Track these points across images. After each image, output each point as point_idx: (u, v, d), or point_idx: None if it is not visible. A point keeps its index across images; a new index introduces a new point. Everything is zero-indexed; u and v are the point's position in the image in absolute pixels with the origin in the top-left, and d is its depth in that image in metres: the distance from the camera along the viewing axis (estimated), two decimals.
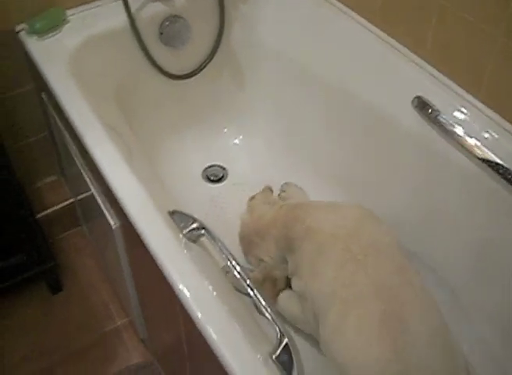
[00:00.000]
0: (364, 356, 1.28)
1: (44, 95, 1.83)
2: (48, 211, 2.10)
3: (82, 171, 1.68)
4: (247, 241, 1.70)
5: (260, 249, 1.65)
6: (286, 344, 1.11)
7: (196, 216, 1.30)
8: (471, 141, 1.49)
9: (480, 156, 1.47)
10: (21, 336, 1.95)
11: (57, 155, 2.10)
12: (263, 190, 1.85)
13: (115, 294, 2.04)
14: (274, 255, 1.61)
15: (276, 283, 1.62)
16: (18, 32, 1.78)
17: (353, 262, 1.38)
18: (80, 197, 1.95)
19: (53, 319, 2.00)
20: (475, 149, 1.48)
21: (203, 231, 1.27)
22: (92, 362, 1.91)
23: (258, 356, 1.07)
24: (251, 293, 1.17)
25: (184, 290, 1.17)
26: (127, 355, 1.92)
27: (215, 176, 2.05)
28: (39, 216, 2.06)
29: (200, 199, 1.96)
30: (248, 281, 1.19)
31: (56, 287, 2.04)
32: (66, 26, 1.81)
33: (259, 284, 1.59)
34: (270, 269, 1.62)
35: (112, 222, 1.53)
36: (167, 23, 1.91)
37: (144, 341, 1.92)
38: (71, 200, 2.14)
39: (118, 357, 1.92)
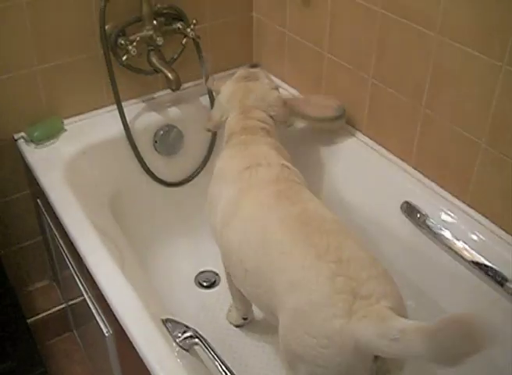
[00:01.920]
0: None
1: (39, 201, 1.86)
2: (39, 316, 2.08)
3: (75, 277, 1.69)
4: None
5: None
6: None
7: (188, 322, 1.30)
8: (459, 244, 1.53)
9: (468, 259, 1.49)
10: None
11: (50, 260, 2.11)
12: None
13: None
14: None
15: None
16: (16, 140, 1.84)
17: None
18: (71, 302, 1.94)
19: None
20: (463, 252, 1.51)
21: (196, 340, 1.27)
22: None
23: None
24: None
25: None
26: None
27: (207, 281, 2.04)
28: (30, 320, 2.03)
29: (193, 305, 1.95)
30: None
31: None
32: (64, 134, 1.87)
33: None
34: None
35: (104, 329, 1.52)
36: (161, 132, 1.98)
37: None
38: (63, 305, 2.12)
39: None
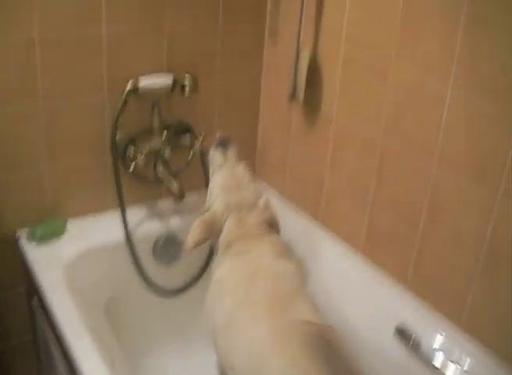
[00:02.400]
0: None
1: (34, 300, 1.85)
2: None
3: None
4: None
5: None
6: None
7: None
8: (452, 370, 1.52)
9: None
10: None
11: (37, 359, 2.07)
12: None
13: None
14: None
15: None
16: (18, 236, 1.86)
17: None
18: None
19: None
20: None
21: None
22: None
23: None
24: None
25: None
26: None
27: None
28: None
29: None
30: None
31: None
32: (65, 235, 1.90)
33: None
34: None
35: None
36: (161, 241, 2.01)
37: None
38: None
39: None
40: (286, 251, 1.65)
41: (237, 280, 1.55)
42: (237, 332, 1.44)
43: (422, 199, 1.63)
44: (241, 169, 1.77)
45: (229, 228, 1.67)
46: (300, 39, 1.85)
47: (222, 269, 1.61)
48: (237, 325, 1.44)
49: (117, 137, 1.86)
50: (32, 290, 1.86)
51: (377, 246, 1.83)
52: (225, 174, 1.73)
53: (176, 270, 2.08)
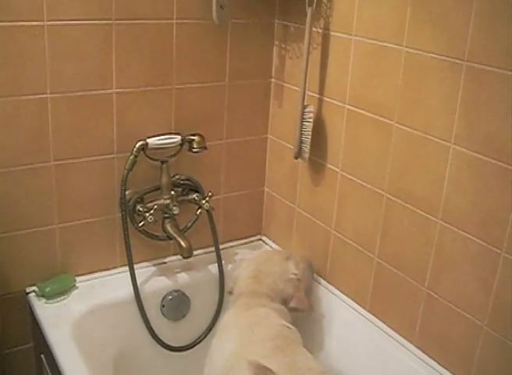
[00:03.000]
0: None
1: (43, 357, 1.86)
2: None
3: None
4: None
5: None
6: None
7: None
8: None
9: None
10: None
11: None
12: None
13: None
14: None
15: None
16: (28, 293, 1.88)
17: None
18: None
19: None
20: None
21: None
22: None
23: None
24: None
25: None
26: None
27: None
28: None
29: None
30: None
31: None
32: (75, 292, 1.92)
33: None
34: None
35: None
36: (169, 298, 2.03)
37: None
38: None
39: None
40: (289, 318, 1.75)
41: (243, 326, 1.64)
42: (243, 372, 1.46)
43: (427, 255, 1.65)
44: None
45: (240, 283, 1.77)
46: (305, 97, 1.90)
47: (228, 315, 1.74)
48: (243, 365, 1.46)
49: (126, 195, 1.90)
50: (41, 347, 1.86)
51: (383, 302, 1.83)
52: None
53: (184, 326, 2.08)
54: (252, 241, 2.33)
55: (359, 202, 1.86)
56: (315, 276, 2.03)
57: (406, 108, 1.66)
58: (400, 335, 1.78)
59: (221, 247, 2.12)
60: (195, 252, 2.09)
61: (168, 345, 2.01)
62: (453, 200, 1.56)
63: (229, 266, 2.15)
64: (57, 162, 1.83)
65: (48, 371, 1.83)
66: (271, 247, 2.29)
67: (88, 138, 1.86)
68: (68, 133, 1.82)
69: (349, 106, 1.84)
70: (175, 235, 1.96)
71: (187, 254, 1.92)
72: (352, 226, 1.91)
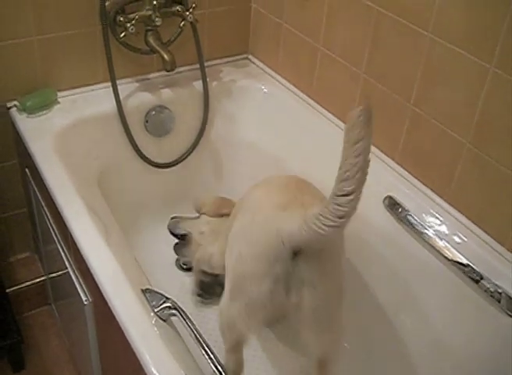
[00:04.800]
0: None
1: (27, 171, 1.87)
2: (18, 287, 2.09)
3: (58, 246, 1.70)
4: None
5: None
6: None
7: None
8: (439, 241, 1.56)
9: (445, 255, 1.53)
10: None
11: (33, 231, 2.12)
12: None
13: None
14: None
15: None
16: (9, 108, 1.85)
17: None
18: (52, 274, 1.95)
19: None
20: (441, 248, 1.55)
21: (174, 310, 1.29)
22: None
23: None
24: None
25: (151, 366, 1.17)
26: None
27: (187, 264, 2.06)
28: (8, 290, 2.04)
29: (172, 286, 1.96)
30: (215, 361, 1.20)
31: (19, 365, 1.99)
32: (56, 107, 1.89)
33: None
34: None
35: (84, 297, 1.54)
36: (153, 113, 2.00)
37: None
38: (43, 278, 2.13)
39: None
40: None
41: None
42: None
43: (415, 70, 1.61)
44: None
45: None
46: None
47: None
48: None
49: (107, 4, 1.80)
50: (25, 161, 1.87)
51: None
52: None
53: (168, 143, 2.08)
54: (238, 60, 2.26)
55: (349, 16, 1.78)
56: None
57: None
58: (383, 152, 1.79)
59: (206, 64, 2.06)
60: (179, 69, 2.06)
61: (152, 161, 2.02)
62: (445, 13, 1.49)
63: (214, 84, 2.11)
64: None
65: (33, 184, 1.85)
66: (257, 66, 2.23)
67: None
68: None
69: None
70: (158, 48, 1.89)
71: (170, 67, 1.86)
72: (340, 42, 1.84)
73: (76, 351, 1.95)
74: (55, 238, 1.73)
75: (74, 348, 1.98)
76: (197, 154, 2.11)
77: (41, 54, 1.85)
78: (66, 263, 1.66)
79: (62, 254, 1.68)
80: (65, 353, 2.08)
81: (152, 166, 2.03)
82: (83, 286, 1.57)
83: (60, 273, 1.76)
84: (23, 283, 2.11)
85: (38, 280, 2.13)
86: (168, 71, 1.88)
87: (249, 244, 1.32)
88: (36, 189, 1.84)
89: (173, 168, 2.09)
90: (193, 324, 1.26)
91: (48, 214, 1.77)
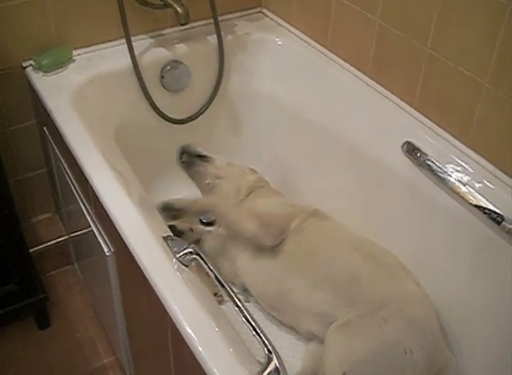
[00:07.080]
0: None
1: (46, 129, 1.88)
2: (41, 247, 2.12)
3: (79, 203, 1.72)
4: None
5: None
6: (275, 364, 1.12)
7: None
8: (458, 184, 1.56)
9: (466, 197, 1.53)
10: (5, 369, 1.93)
11: (53, 192, 2.14)
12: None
13: (103, 331, 2.03)
14: None
15: None
16: (25, 67, 1.86)
17: None
18: (74, 233, 1.98)
19: (38, 355, 1.98)
20: (462, 190, 1.54)
21: (195, 256, 1.30)
22: None
23: None
24: (243, 315, 1.19)
25: (176, 308, 1.19)
26: None
27: (207, 219, 2.07)
28: (31, 250, 2.07)
29: None
30: (240, 304, 1.21)
31: (44, 323, 2.04)
32: (72, 64, 1.89)
33: None
34: None
35: (106, 249, 1.56)
36: (168, 68, 2.00)
37: None
38: (64, 237, 2.16)
39: None
40: None
41: None
42: None
43: (431, 12, 1.58)
44: None
45: None
46: None
47: None
48: None
49: None
50: (43, 119, 1.88)
51: (384, 66, 1.80)
52: None
53: (184, 99, 2.08)
54: (251, 13, 2.24)
55: None
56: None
57: None
58: (401, 99, 1.77)
59: (220, 18, 2.04)
60: (193, 24, 2.06)
61: (169, 117, 2.02)
62: None
63: (229, 37, 2.09)
64: None
65: (52, 143, 1.87)
66: (271, 19, 2.21)
67: None
68: None
69: None
70: (171, 1, 1.87)
71: (184, 20, 1.85)
72: None
73: (100, 306, 1.98)
74: (76, 195, 1.74)
75: (98, 303, 2.02)
76: (214, 109, 2.11)
77: (55, 12, 1.85)
78: (88, 218, 1.68)
79: (84, 209, 1.70)
80: (89, 310, 2.11)
81: (168, 121, 2.03)
82: (106, 238, 1.59)
83: (82, 230, 1.78)
84: (45, 243, 2.14)
85: (60, 239, 2.16)
86: (182, 25, 1.87)
87: None
88: (55, 147, 1.85)
89: (190, 123, 2.08)
90: (212, 268, 1.27)
91: (68, 171, 1.78)
